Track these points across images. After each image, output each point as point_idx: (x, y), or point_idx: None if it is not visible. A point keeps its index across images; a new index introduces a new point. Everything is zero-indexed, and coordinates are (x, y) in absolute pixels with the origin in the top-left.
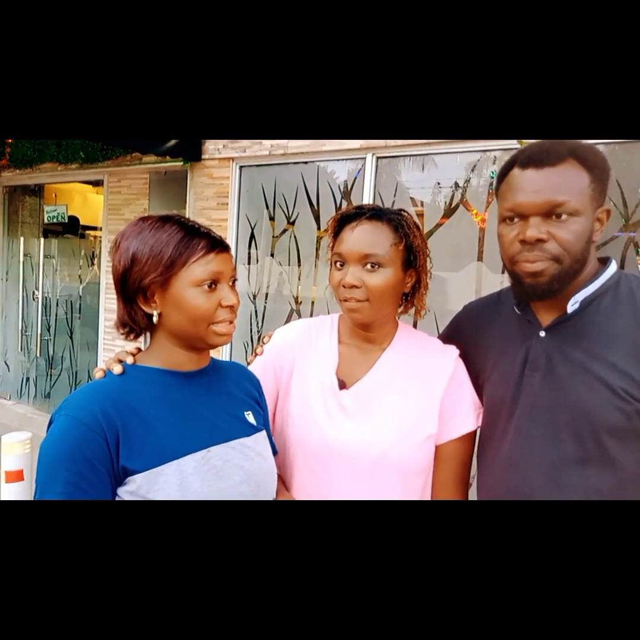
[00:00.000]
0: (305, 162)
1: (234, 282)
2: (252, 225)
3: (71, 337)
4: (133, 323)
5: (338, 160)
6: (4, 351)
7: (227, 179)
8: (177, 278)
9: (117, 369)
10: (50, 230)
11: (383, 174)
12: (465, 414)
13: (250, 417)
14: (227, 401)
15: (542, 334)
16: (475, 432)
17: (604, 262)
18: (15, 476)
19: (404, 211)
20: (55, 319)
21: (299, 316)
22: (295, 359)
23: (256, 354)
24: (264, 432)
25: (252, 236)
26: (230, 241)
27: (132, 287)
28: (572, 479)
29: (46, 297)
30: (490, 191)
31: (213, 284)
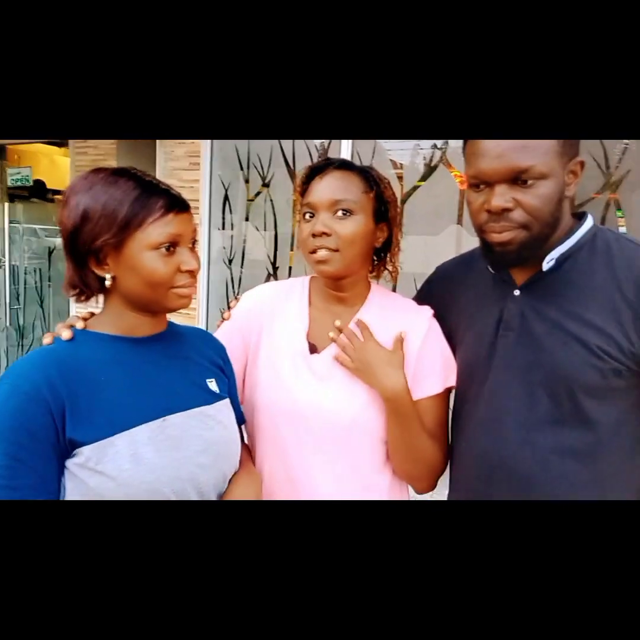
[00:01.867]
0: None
1: (194, 243)
2: (226, 187)
3: (42, 306)
4: (84, 286)
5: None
6: None
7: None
8: (132, 240)
9: (66, 334)
10: (16, 195)
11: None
12: (439, 372)
13: (212, 385)
14: (186, 367)
15: (517, 292)
16: (449, 392)
17: (580, 216)
18: None
19: (373, 167)
20: (25, 288)
21: (275, 278)
22: (264, 323)
23: (223, 319)
24: (227, 401)
25: (226, 198)
26: (203, 203)
27: (83, 248)
28: (547, 440)
29: (14, 265)
30: None
31: (171, 246)
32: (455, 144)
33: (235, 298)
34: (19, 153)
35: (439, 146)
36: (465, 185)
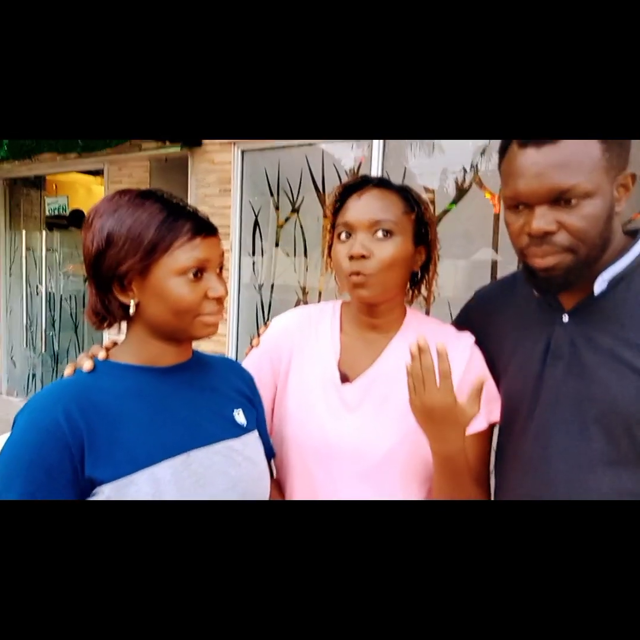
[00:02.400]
0: (310, 145)
1: (221, 269)
2: (256, 212)
3: (76, 332)
4: (106, 312)
5: (343, 142)
6: (9, 348)
7: (229, 164)
8: (158, 265)
9: (87, 365)
10: (55, 224)
11: (390, 159)
12: (482, 407)
13: (239, 417)
14: (212, 399)
15: (565, 318)
16: (493, 427)
17: (634, 234)
18: None
19: (410, 188)
20: (60, 314)
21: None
22: (294, 350)
23: (252, 346)
24: (255, 433)
25: (257, 224)
26: (234, 229)
27: (107, 273)
28: (602, 482)
29: (50, 292)
30: None
31: (199, 272)
32: (487, 166)
33: (265, 324)
34: (57, 183)
35: (469, 168)
36: (501, 206)
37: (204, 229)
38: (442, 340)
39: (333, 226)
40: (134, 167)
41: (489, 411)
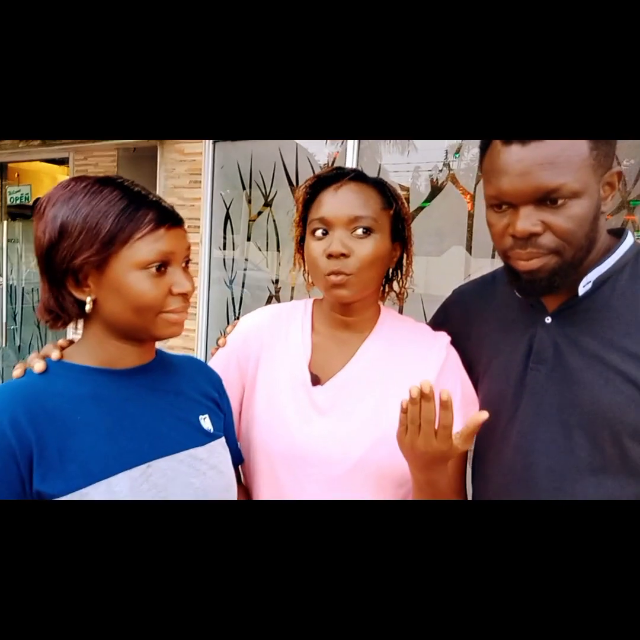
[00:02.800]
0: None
1: (187, 263)
2: (228, 205)
3: (39, 326)
4: (60, 310)
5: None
6: None
7: (199, 155)
8: (117, 258)
9: (38, 366)
10: (17, 214)
11: (364, 156)
12: (458, 410)
13: (205, 422)
14: (176, 403)
15: (548, 319)
16: None
17: (618, 234)
18: None
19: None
20: (22, 307)
21: (279, 302)
22: (262, 350)
23: (218, 346)
24: (222, 440)
25: (228, 216)
26: (204, 222)
27: (60, 267)
28: (587, 491)
29: (11, 285)
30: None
31: (162, 266)
32: (459, 164)
33: (232, 323)
34: (19, 171)
35: (442, 166)
36: (474, 204)
37: (169, 219)
38: (416, 339)
39: (303, 220)
40: (100, 156)
41: (465, 414)
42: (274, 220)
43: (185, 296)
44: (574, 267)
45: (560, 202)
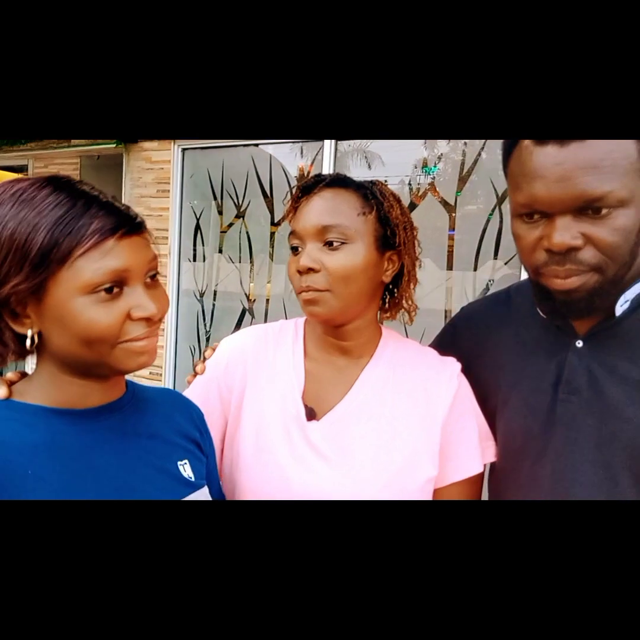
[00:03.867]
0: (256, 145)
1: (154, 277)
2: (198, 216)
3: None
4: (1, 346)
5: (293, 142)
6: None
7: (168, 163)
8: (56, 282)
9: None
10: None
11: (339, 168)
12: (475, 447)
13: (185, 470)
14: (150, 449)
15: (579, 343)
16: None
17: None
18: None
19: (378, 181)
20: None
21: (252, 316)
22: (247, 379)
23: (196, 374)
24: (205, 490)
25: (198, 227)
26: (173, 233)
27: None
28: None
29: None
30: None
31: (115, 286)
32: (442, 173)
33: (210, 347)
34: None
35: (425, 176)
36: (511, 212)
37: (121, 225)
38: (422, 367)
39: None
40: (61, 163)
41: (483, 451)
42: (246, 232)
43: (149, 320)
44: (615, 285)
45: (604, 211)
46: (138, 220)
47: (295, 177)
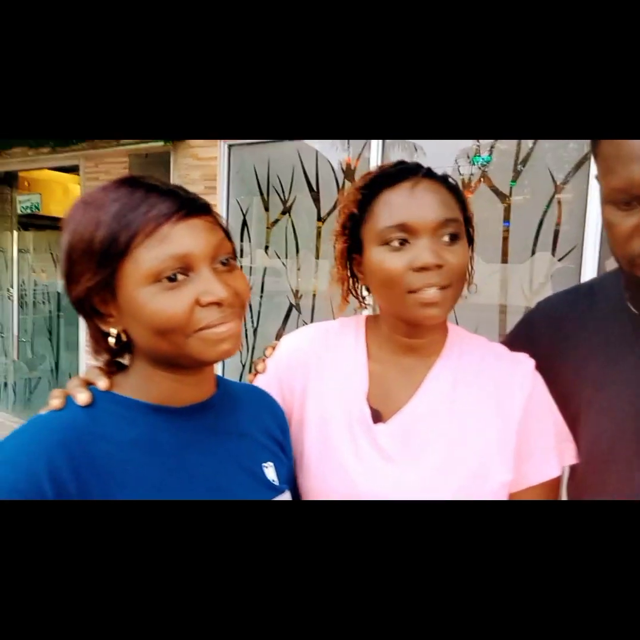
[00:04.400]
0: (302, 140)
1: (228, 261)
2: (244, 212)
3: (51, 338)
4: (97, 345)
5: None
6: None
7: (214, 160)
8: (123, 276)
9: (82, 398)
10: (28, 223)
11: (387, 158)
12: (550, 450)
13: (269, 472)
14: (239, 448)
15: None
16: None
17: None
18: None
19: (446, 174)
20: (33, 319)
21: (299, 311)
22: (309, 380)
23: (256, 372)
24: (287, 494)
25: (245, 223)
26: None
27: (76, 300)
28: None
29: (22, 296)
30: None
31: (179, 273)
32: (495, 162)
33: (270, 345)
34: (29, 180)
35: (473, 167)
36: (603, 198)
37: (177, 209)
38: (493, 364)
39: (353, 228)
40: (111, 163)
41: (561, 453)
42: (293, 227)
43: (220, 304)
44: None
45: None
46: (200, 202)
47: (342, 170)
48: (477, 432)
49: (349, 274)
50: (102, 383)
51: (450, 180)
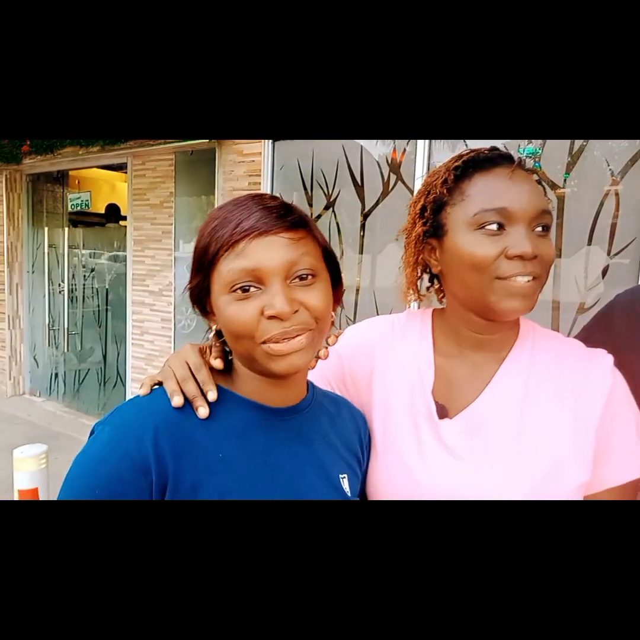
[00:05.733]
0: None
1: (304, 277)
2: None
3: (99, 331)
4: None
5: None
6: (32, 347)
7: (259, 156)
8: (214, 282)
9: (203, 412)
10: (78, 220)
11: (435, 153)
12: (631, 451)
13: (344, 483)
14: (321, 455)
15: None
16: None
17: None
18: (30, 495)
19: None
20: (82, 312)
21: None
22: (374, 374)
23: (318, 358)
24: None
25: None
26: None
27: (189, 295)
28: None
29: (73, 290)
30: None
31: (252, 286)
32: (547, 153)
33: (334, 334)
34: (80, 179)
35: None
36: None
37: (263, 225)
38: (569, 361)
39: (435, 210)
40: (158, 160)
41: None
42: (336, 222)
43: (279, 318)
44: None
45: None
46: (288, 220)
47: (388, 163)
48: (551, 431)
49: (418, 261)
50: (216, 363)
51: (536, 171)
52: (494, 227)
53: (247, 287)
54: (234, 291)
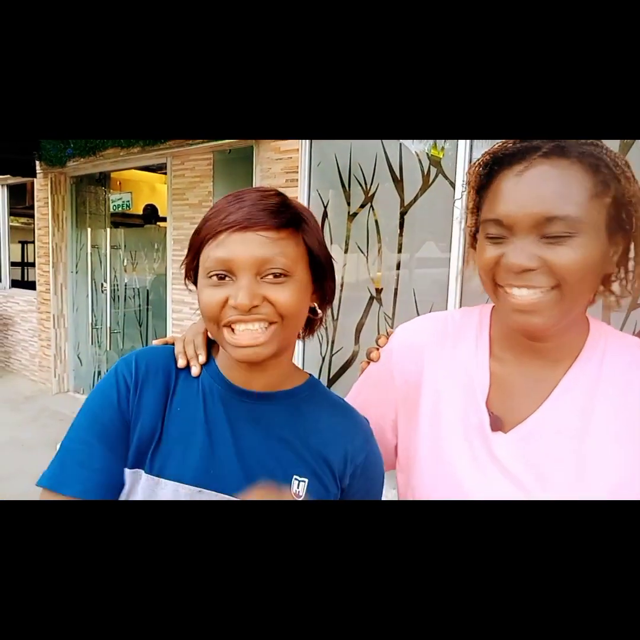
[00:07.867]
0: None
1: (279, 275)
2: (325, 204)
3: (140, 330)
4: None
5: None
6: (76, 345)
7: (296, 152)
8: (200, 264)
9: (195, 371)
10: (120, 222)
11: (478, 148)
12: None
13: (299, 486)
14: (275, 447)
15: None
16: None
17: None
18: None
19: (602, 144)
20: (124, 312)
21: (380, 304)
22: (424, 377)
23: (370, 360)
24: None
25: (325, 215)
26: None
27: (184, 269)
28: None
29: (115, 290)
30: None
31: (227, 275)
32: None
33: (383, 334)
34: (121, 180)
35: None
36: None
37: (239, 222)
38: None
39: (476, 208)
40: (196, 160)
41: None
42: (375, 219)
43: (238, 309)
44: None
45: None
46: (275, 219)
47: (427, 154)
48: (618, 451)
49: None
50: (200, 358)
51: (597, 156)
52: (494, 231)
53: (223, 276)
54: (211, 277)
